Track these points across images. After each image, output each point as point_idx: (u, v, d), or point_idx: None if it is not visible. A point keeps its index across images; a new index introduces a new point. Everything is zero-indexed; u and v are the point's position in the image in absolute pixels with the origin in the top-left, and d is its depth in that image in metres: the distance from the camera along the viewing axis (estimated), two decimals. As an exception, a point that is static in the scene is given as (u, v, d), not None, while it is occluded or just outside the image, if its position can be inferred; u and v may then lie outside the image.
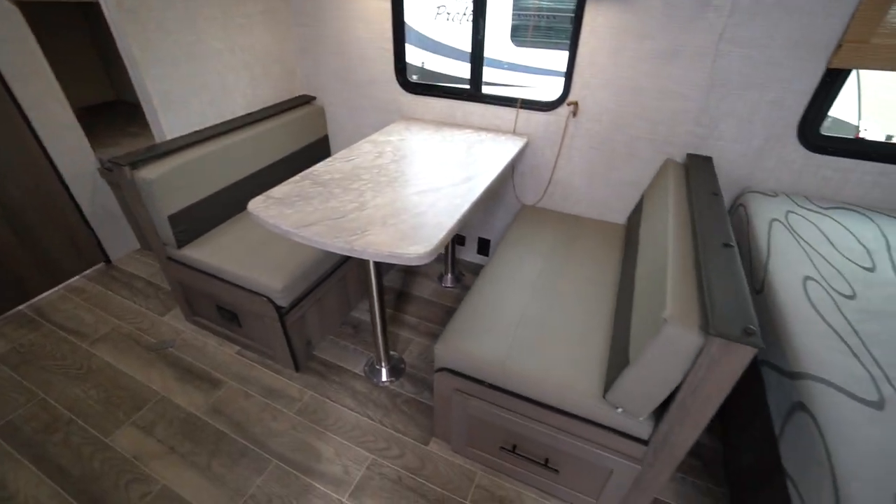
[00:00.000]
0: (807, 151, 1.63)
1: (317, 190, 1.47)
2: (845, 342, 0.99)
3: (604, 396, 1.16)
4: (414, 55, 4.78)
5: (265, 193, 1.43)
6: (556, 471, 1.34)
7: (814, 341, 1.00)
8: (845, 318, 1.06)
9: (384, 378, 1.85)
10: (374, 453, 1.58)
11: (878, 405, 0.85)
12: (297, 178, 1.55)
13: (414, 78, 2.23)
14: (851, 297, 1.13)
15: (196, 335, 2.06)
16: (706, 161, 1.70)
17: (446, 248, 2.33)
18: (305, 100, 2.43)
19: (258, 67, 2.21)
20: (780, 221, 1.48)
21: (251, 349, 1.97)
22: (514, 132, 2.03)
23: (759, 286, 1.27)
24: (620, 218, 2.05)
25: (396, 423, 1.68)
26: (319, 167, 1.64)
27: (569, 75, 1.84)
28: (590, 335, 1.36)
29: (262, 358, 1.94)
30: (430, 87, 2.18)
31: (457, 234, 2.56)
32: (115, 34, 1.68)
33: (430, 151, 1.82)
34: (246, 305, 1.77)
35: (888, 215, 1.53)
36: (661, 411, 1.09)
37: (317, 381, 1.84)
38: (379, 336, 1.76)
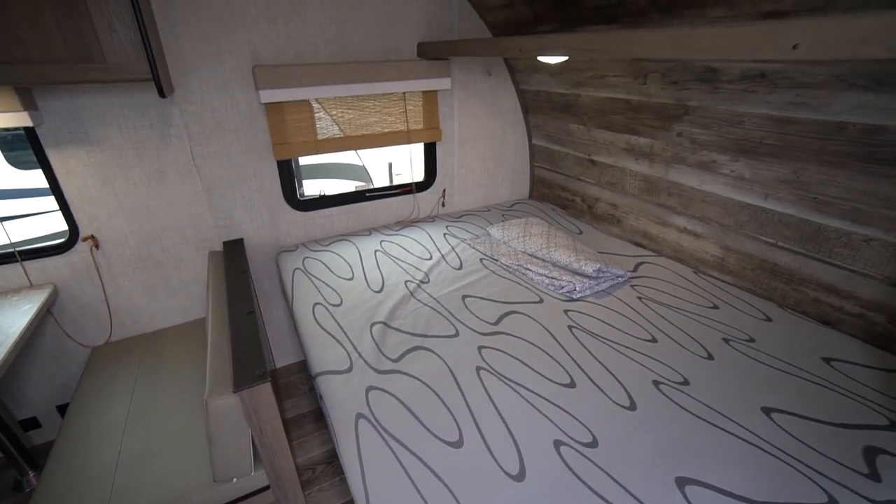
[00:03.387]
0: (299, 212, 2.29)
1: None
2: (335, 339, 1.55)
3: (215, 480, 1.33)
4: None
5: None
6: (224, 566, 1.43)
7: (318, 348, 1.51)
8: (336, 321, 1.64)
9: None
10: None
11: (349, 370, 1.40)
12: None
13: None
14: (339, 305, 1.74)
15: None
16: (238, 243, 2.11)
17: (6, 446, 1.85)
18: None
19: None
20: (299, 268, 2.03)
21: None
22: (32, 286, 1.83)
23: (295, 324, 1.75)
24: (203, 312, 2.23)
25: None
26: None
27: (68, 216, 1.82)
28: (192, 435, 1.49)
29: None
30: None
31: (24, 419, 2.06)
32: None
33: None
34: None
35: (360, 235, 2.37)
36: (258, 457, 1.36)
37: None
38: None
